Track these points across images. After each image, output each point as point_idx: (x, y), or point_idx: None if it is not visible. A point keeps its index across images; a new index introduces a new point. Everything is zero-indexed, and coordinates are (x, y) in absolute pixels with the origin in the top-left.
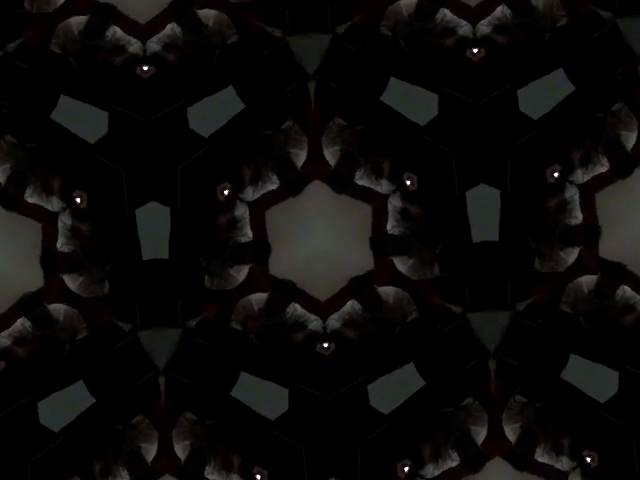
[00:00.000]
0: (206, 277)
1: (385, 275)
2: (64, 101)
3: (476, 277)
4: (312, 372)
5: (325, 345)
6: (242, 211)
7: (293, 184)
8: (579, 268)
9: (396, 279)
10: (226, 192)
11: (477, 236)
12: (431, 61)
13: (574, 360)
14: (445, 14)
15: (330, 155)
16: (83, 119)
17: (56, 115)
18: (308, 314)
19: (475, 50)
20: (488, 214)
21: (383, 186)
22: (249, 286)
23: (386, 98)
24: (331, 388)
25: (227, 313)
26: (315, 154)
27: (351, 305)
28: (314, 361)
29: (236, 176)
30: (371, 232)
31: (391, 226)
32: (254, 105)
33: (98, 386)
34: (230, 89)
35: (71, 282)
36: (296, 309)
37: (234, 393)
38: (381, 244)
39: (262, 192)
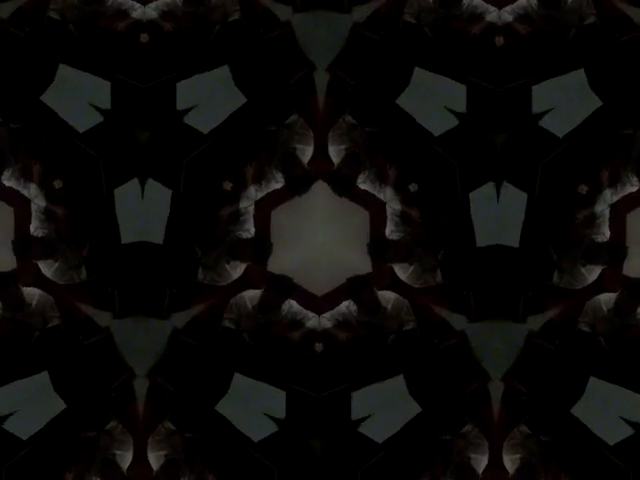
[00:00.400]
0: (200, 269)
1: (384, 281)
2: (61, 77)
3: (484, 284)
4: (306, 372)
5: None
6: (247, 204)
7: (299, 182)
8: (599, 287)
9: (396, 286)
10: (230, 185)
11: (484, 240)
12: (458, 50)
13: (593, 383)
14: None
15: (334, 153)
16: (76, 105)
17: (47, 97)
18: (305, 311)
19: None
20: (512, 217)
21: (386, 194)
22: (243, 284)
23: (403, 100)
24: (317, 389)
25: (219, 310)
26: (321, 150)
27: (346, 306)
28: (308, 361)
29: (238, 173)
30: (369, 237)
31: (390, 230)
32: (256, 97)
33: (66, 382)
34: (226, 69)
35: (46, 268)
36: (292, 305)
37: (222, 404)
38: (380, 250)
39: (266, 191)
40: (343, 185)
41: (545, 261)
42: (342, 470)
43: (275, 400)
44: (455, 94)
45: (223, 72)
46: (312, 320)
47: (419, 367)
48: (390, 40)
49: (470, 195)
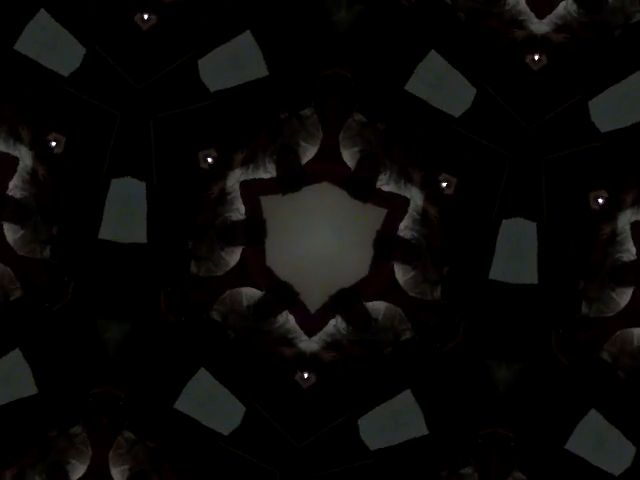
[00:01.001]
0: (192, 262)
1: (380, 282)
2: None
3: (476, 315)
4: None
5: (305, 376)
6: (232, 182)
7: (292, 180)
8: (633, 311)
9: (390, 291)
10: (210, 160)
11: (495, 273)
12: (483, 50)
13: (592, 417)
14: (519, 2)
15: (348, 157)
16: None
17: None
18: (299, 330)
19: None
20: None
21: (412, 191)
22: (242, 273)
23: (412, 85)
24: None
25: (212, 300)
26: (328, 153)
27: (334, 325)
28: (292, 389)
29: (226, 150)
30: (379, 233)
31: (404, 226)
32: (278, 73)
33: (42, 365)
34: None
35: (10, 232)
36: (288, 321)
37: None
38: (385, 244)
39: (252, 177)
40: (362, 189)
41: (570, 292)
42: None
43: (232, 414)
44: (463, 93)
45: (247, 38)
46: (303, 343)
47: (425, 377)
48: (417, 11)
49: (504, 222)
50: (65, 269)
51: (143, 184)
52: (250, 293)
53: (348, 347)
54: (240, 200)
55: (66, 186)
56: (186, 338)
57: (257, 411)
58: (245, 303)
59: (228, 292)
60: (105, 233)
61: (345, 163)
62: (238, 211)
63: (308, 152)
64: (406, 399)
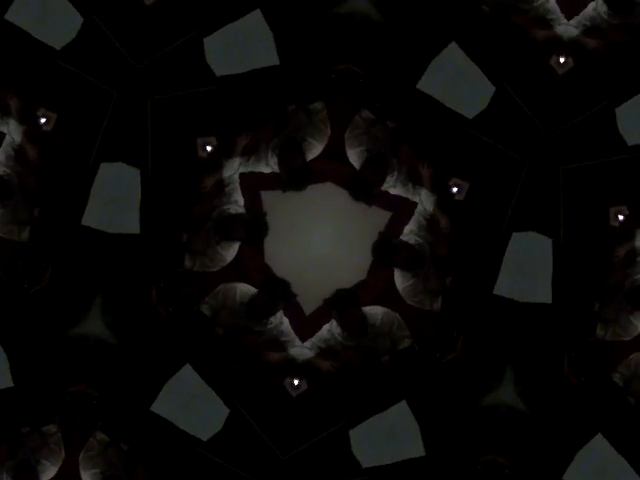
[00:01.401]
0: (187, 255)
1: (378, 286)
2: None
3: (476, 329)
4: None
5: (296, 382)
6: (231, 172)
7: (295, 177)
8: None
9: (386, 297)
10: (209, 148)
11: (501, 289)
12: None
13: (597, 442)
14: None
15: (354, 156)
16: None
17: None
18: (293, 335)
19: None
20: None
21: (422, 195)
22: (239, 269)
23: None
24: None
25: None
26: (335, 151)
27: (328, 329)
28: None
29: (227, 137)
30: (380, 235)
31: (409, 230)
32: (290, 63)
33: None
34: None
35: None
36: (282, 322)
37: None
38: (385, 248)
39: (253, 169)
40: (366, 191)
41: (584, 313)
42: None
43: (214, 417)
44: (480, 92)
45: (257, 19)
46: (296, 348)
47: (423, 388)
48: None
49: (514, 235)
50: (44, 254)
51: (137, 171)
52: (245, 289)
53: (343, 353)
54: (239, 192)
55: (53, 166)
56: (172, 332)
57: (241, 416)
58: (239, 299)
59: (222, 286)
60: (89, 220)
61: (350, 163)
62: (237, 204)
63: (314, 149)
64: (402, 411)
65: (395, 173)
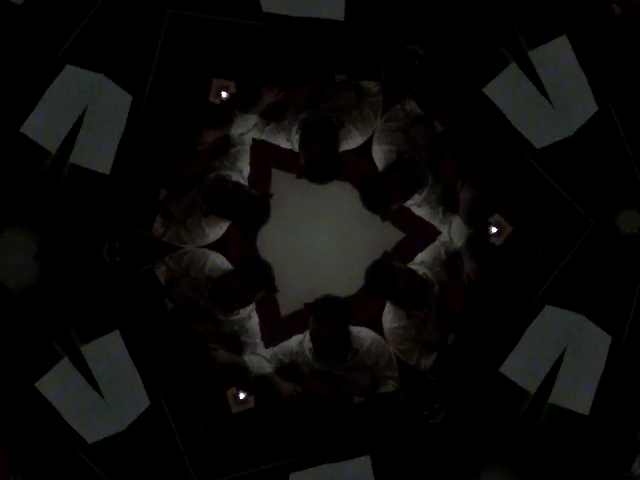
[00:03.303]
0: (159, 218)
1: (366, 308)
2: None
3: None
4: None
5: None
6: (243, 131)
7: (318, 168)
8: None
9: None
10: (224, 94)
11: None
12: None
13: None
14: None
15: (379, 153)
16: None
17: None
18: (257, 334)
19: None
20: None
21: (452, 226)
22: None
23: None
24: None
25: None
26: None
27: (299, 342)
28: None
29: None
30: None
31: (420, 260)
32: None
33: None
34: None
35: None
36: (252, 317)
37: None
38: (384, 271)
39: (268, 138)
40: (381, 202)
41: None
42: None
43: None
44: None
45: None
46: (254, 356)
47: (395, 448)
48: None
49: (546, 308)
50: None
51: (129, 97)
52: (218, 262)
53: (309, 378)
54: (246, 160)
55: (14, 54)
56: (113, 287)
57: (163, 415)
58: (207, 271)
59: (190, 249)
60: (28, 128)
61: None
62: (240, 174)
63: (351, 140)
64: (362, 467)
65: (426, 190)
